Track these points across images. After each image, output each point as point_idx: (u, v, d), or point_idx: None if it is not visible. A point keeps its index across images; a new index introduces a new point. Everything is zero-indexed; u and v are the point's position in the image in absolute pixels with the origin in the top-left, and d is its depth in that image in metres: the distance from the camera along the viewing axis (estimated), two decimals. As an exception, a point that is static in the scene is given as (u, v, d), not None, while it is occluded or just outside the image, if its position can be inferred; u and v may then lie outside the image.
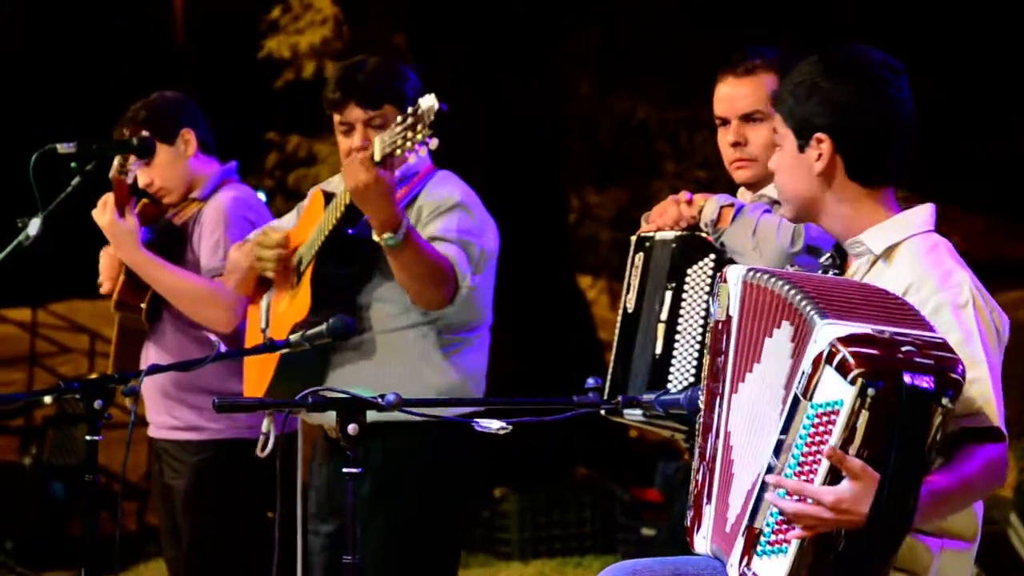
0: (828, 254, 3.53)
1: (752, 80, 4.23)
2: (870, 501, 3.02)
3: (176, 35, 20.12)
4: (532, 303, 11.62)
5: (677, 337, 4.10)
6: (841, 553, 3.08)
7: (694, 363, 4.06)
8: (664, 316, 4.11)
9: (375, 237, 4.63)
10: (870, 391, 3.00)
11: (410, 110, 4.48)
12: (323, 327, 4.10)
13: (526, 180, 12.04)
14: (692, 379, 4.03)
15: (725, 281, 3.39)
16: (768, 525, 3.15)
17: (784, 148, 3.49)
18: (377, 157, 4.57)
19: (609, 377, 4.19)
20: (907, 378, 3.00)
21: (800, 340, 3.14)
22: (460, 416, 4.19)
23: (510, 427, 3.61)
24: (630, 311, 4.22)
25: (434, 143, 4.48)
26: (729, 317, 3.36)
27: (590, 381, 3.81)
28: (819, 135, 3.43)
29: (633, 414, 3.91)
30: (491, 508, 10.69)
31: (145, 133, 5.40)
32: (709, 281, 4.10)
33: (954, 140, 16.50)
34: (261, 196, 5.77)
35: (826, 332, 3.07)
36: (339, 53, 14.30)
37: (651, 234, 4.22)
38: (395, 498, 4.75)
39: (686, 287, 4.12)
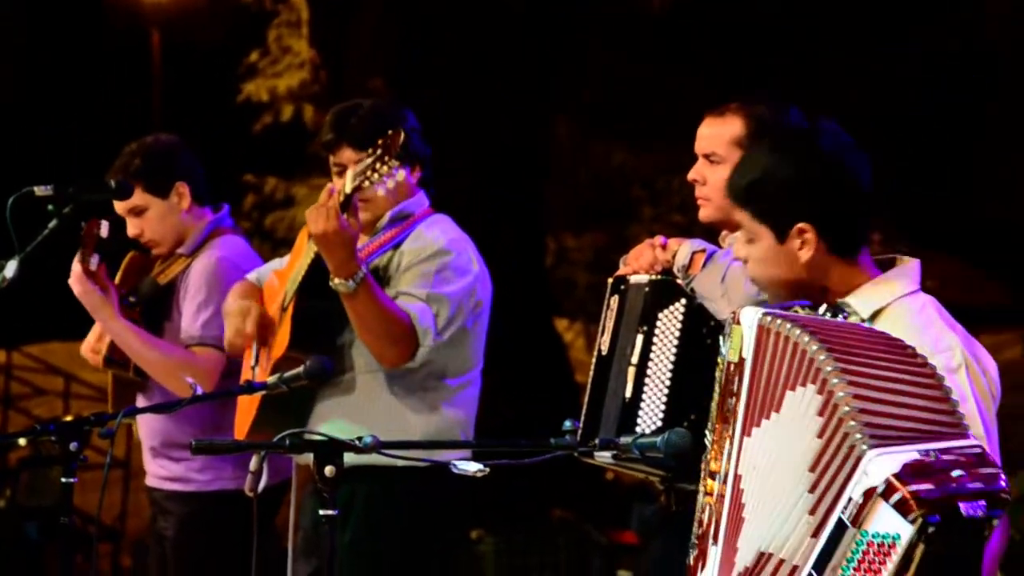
0: (825, 307, 3.53)
1: (719, 121, 4.25)
2: None
3: (153, 77, 20.14)
4: (509, 346, 11.63)
5: (646, 380, 4.12)
6: None
7: (662, 407, 4.08)
8: (635, 359, 4.13)
9: (331, 281, 4.65)
10: (930, 529, 3.05)
11: (379, 141, 4.52)
12: (300, 369, 4.11)
13: (504, 222, 12.07)
14: (660, 423, 4.05)
15: (738, 323, 3.38)
16: None
17: (759, 242, 3.49)
18: (348, 189, 4.61)
19: (582, 419, 4.20)
20: (963, 508, 3.06)
21: (833, 431, 3.14)
22: (438, 460, 4.20)
23: (487, 469, 3.61)
24: (604, 353, 4.25)
25: (401, 175, 4.52)
26: (742, 359, 3.34)
27: (567, 423, 3.82)
28: (801, 226, 3.45)
29: (604, 456, 3.92)
30: (467, 550, 10.67)
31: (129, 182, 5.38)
32: (679, 326, 4.12)
33: (934, 186, 16.61)
34: None
35: (878, 467, 3.09)
36: (317, 96, 14.32)
37: (627, 276, 4.25)
38: (376, 543, 4.76)
39: (657, 331, 4.14)
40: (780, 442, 3.24)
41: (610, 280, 4.29)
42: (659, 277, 4.20)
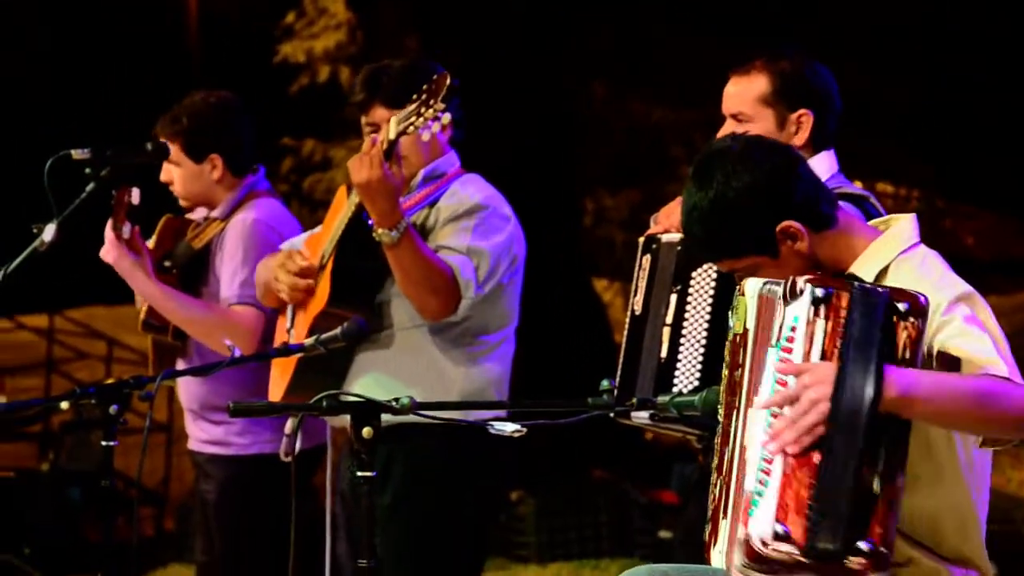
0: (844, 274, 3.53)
1: (745, 80, 4.23)
2: (832, 378, 3.09)
3: (190, 40, 20.16)
4: (547, 306, 11.64)
5: (682, 341, 4.11)
6: (820, 466, 3.10)
7: (698, 367, 4.08)
8: (669, 319, 4.13)
9: (374, 232, 4.67)
10: (818, 292, 3.14)
11: (424, 87, 4.53)
12: (337, 331, 4.13)
13: (540, 182, 12.06)
14: (696, 383, 4.04)
15: (743, 294, 3.41)
16: (757, 479, 3.18)
17: (762, 268, 3.49)
18: (392, 135, 4.63)
19: (618, 380, 4.20)
20: (858, 285, 3.18)
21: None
22: (475, 420, 4.22)
23: (524, 430, 3.63)
24: (637, 314, 4.24)
25: (446, 118, 4.54)
26: (746, 330, 3.37)
27: (604, 383, 3.83)
28: (783, 226, 3.45)
29: (640, 416, 3.93)
30: (507, 511, 10.71)
31: (164, 140, 5.41)
32: (714, 284, 4.11)
33: (965, 134, 16.49)
34: None
35: (802, 283, 3.20)
36: (353, 57, 14.33)
37: (658, 236, 4.24)
38: (414, 504, 4.78)
39: (691, 290, 4.13)
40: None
41: (641, 239, 4.29)
42: (691, 235, 4.18)
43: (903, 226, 3.53)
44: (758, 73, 4.21)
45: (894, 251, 3.47)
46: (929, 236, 3.61)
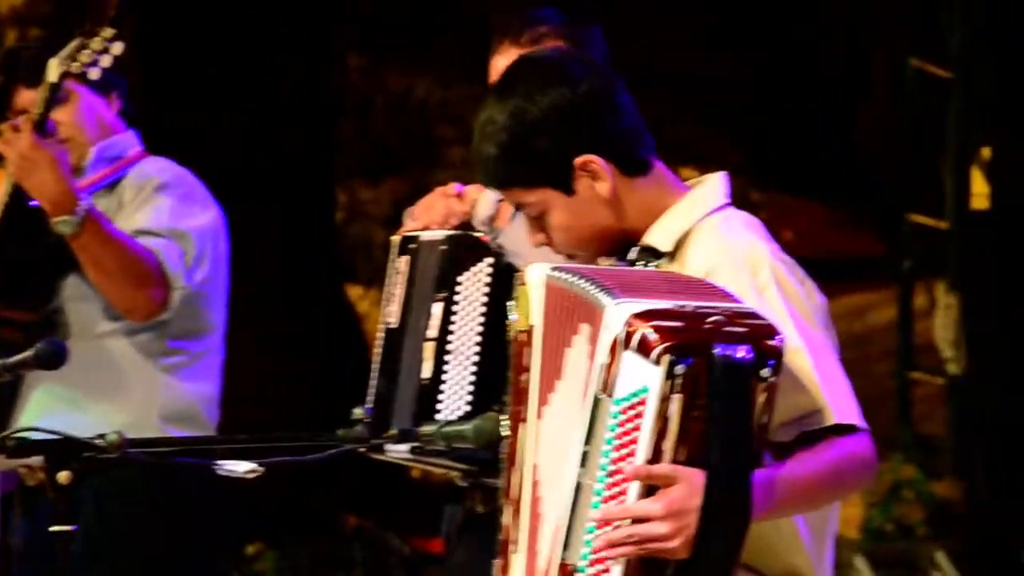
0: (638, 248, 3.55)
1: (516, 51, 4.22)
2: (698, 498, 3.05)
3: None
4: (292, 318, 11.59)
5: (447, 358, 4.13)
6: (676, 571, 3.11)
7: (468, 388, 4.09)
8: (433, 333, 4.13)
9: (51, 225, 4.60)
10: (678, 368, 3.04)
11: (87, 16, 4.47)
12: (30, 353, 4.05)
13: (286, 173, 12.00)
14: (467, 407, 4.06)
15: (525, 283, 3.40)
16: (584, 557, 3.16)
17: (552, 211, 3.49)
18: (54, 78, 4.55)
19: (372, 407, 4.19)
20: (719, 350, 3.05)
21: (595, 335, 3.17)
22: (195, 456, 4.15)
23: (262, 469, 3.59)
24: (393, 326, 4.25)
25: (118, 47, 4.47)
26: (531, 327, 3.37)
27: (358, 411, 3.81)
28: (584, 160, 3.45)
29: (399, 450, 3.92)
30: (241, 569, 10.65)
31: None
32: (486, 291, 4.12)
33: (791, 121, 16.84)
34: None
35: (619, 312, 3.11)
36: (47, 18, 14.13)
37: (416, 234, 4.23)
38: (114, 561, 4.70)
39: (457, 298, 4.15)
40: (567, 403, 3.25)
41: (394, 239, 4.28)
42: (457, 232, 4.19)
43: (712, 184, 3.56)
44: (551, 42, 4.24)
45: (699, 213, 3.50)
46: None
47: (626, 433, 3.10)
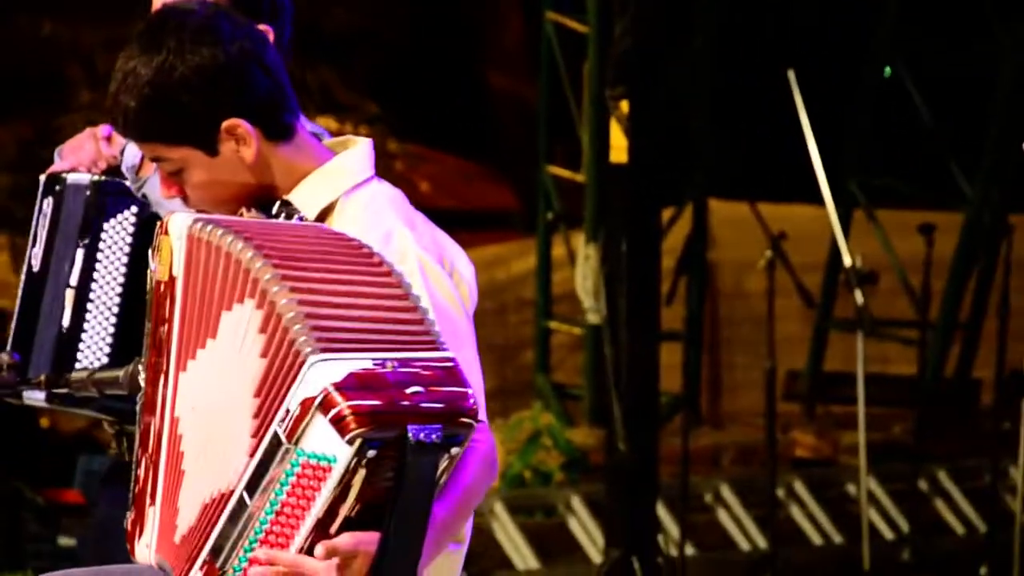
0: (278, 203, 3.56)
1: None
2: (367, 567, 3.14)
3: None
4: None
5: (89, 307, 4.08)
6: None
7: (108, 339, 4.05)
8: (74, 280, 4.08)
9: None
10: (370, 452, 3.09)
11: None
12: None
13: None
14: (106, 359, 4.01)
15: (167, 233, 3.35)
16: (236, 570, 3.20)
17: (191, 169, 3.48)
18: None
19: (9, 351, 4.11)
20: (412, 433, 3.11)
21: (277, 346, 3.17)
22: None
23: None
24: (35, 270, 4.17)
25: None
26: (173, 278, 3.32)
27: (3, 356, 3.74)
28: (231, 124, 3.45)
29: (35, 397, 3.86)
30: None
31: None
32: (129, 240, 4.08)
33: (427, 73, 16.95)
34: None
35: (320, 373, 3.12)
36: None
37: (63, 174, 4.16)
38: None
39: (102, 245, 4.10)
40: (221, 372, 3.26)
41: (42, 177, 4.20)
42: (105, 178, 4.14)
43: (355, 154, 3.57)
44: None
45: (343, 186, 3.52)
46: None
47: (304, 487, 3.14)
